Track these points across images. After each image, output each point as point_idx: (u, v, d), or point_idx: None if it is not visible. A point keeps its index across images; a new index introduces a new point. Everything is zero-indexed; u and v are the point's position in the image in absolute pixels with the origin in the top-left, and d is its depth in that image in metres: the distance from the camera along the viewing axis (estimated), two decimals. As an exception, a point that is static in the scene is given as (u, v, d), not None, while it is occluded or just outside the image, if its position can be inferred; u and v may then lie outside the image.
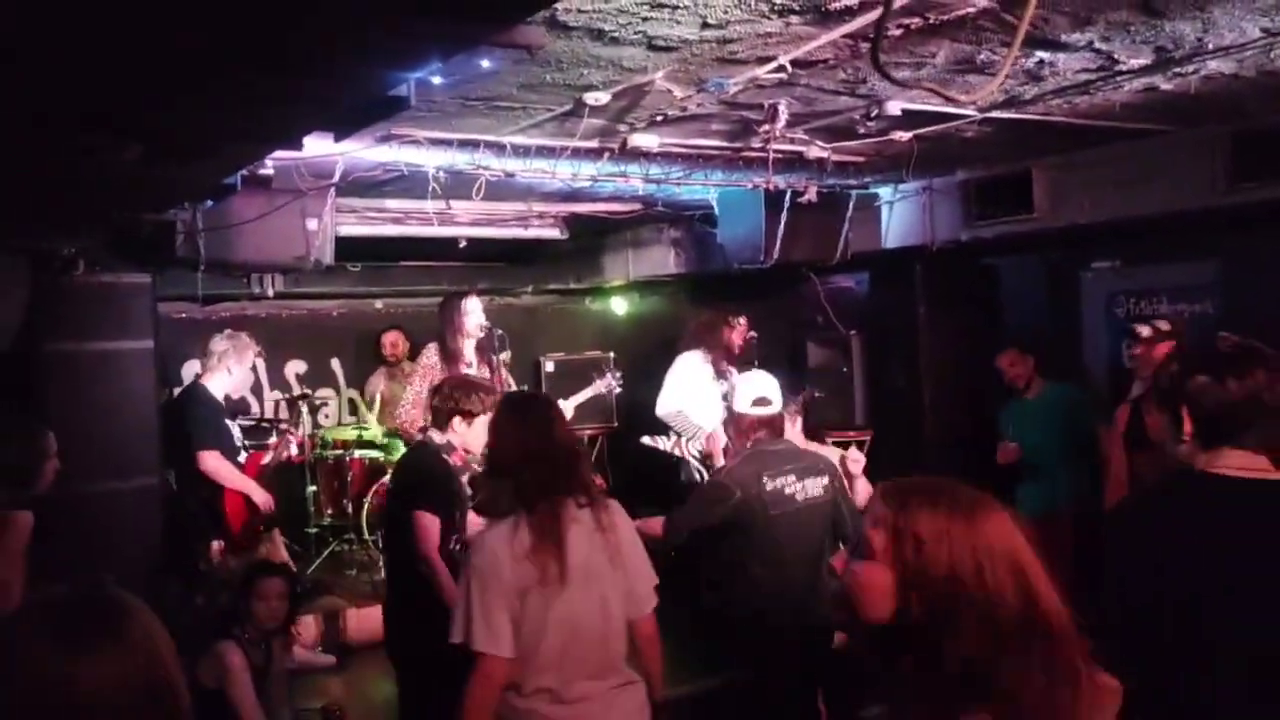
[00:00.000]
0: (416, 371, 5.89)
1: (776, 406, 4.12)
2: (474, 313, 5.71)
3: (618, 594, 2.85)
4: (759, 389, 4.13)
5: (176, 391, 6.27)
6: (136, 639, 1.35)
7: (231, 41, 1.85)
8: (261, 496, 5.53)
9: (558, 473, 2.85)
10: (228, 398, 5.72)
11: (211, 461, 5.37)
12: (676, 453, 6.27)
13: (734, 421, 4.17)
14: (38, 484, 3.95)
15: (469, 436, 4.05)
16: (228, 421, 5.62)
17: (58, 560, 4.23)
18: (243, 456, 5.65)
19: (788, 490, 4.00)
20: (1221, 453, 2.25)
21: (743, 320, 6.52)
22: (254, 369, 5.98)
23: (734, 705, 3.99)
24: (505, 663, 2.71)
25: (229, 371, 5.62)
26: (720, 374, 6.33)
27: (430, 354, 5.82)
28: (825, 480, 4.10)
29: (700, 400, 6.22)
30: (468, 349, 5.76)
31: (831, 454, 4.68)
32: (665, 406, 6.24)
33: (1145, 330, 4.73)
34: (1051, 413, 5.78)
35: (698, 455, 6.23)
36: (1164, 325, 4.79)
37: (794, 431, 4.57)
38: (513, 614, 2.71)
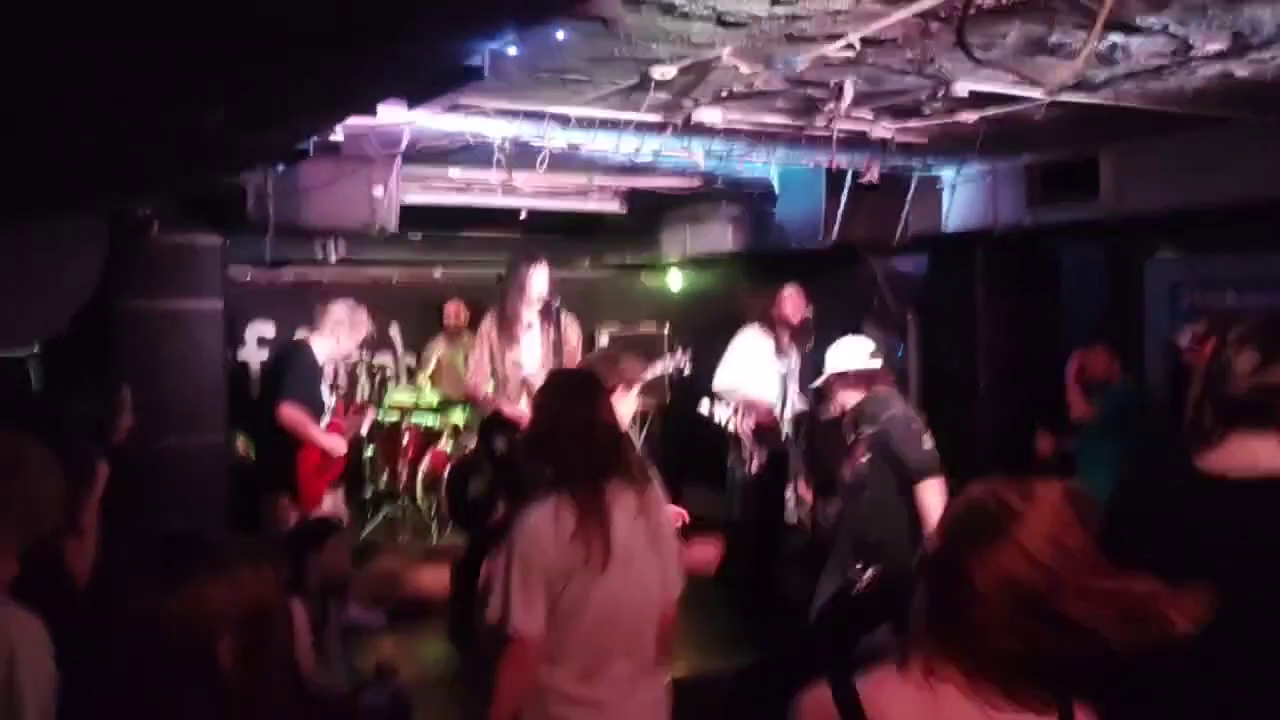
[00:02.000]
0: (476, 338, 6.00)
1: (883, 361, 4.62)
2: (539, 280, 5.76)
3: (656, 577, 2.84)
4: (868, 343, 4.62)
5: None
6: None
7: (317, 9, 1.91)
8: (335, 446, 5.69)
9: (602, 454, 2.82)
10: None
11: (291, 412, 5.50)
12: (731, 427, 6.30)
13: (861, 377, 4.54)
14: (114, 436, 4.10)
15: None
16: (323, 385, 5.79)
17: (128, 512, 4.40)
18: (324, 421, 5.80)
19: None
20: (1226, 439, 2.02)
21: (789, 289, 6.52)
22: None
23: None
24: (539, 643, 2.72)
25: (338, 340, 5.80)
26: (782, 351, 6.35)
27: (488, 320, 5.92)
28: None
29: (758, 376, 6.25)
30: (527, 314, 5.82)
31: None
32: (723, 381, 6.28)
33: (1185, 338, 4.68)
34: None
35: (750, 431, 6.27)
36: (1200, 328, 4.71)
37: None
38: (550, 595, 2.72)
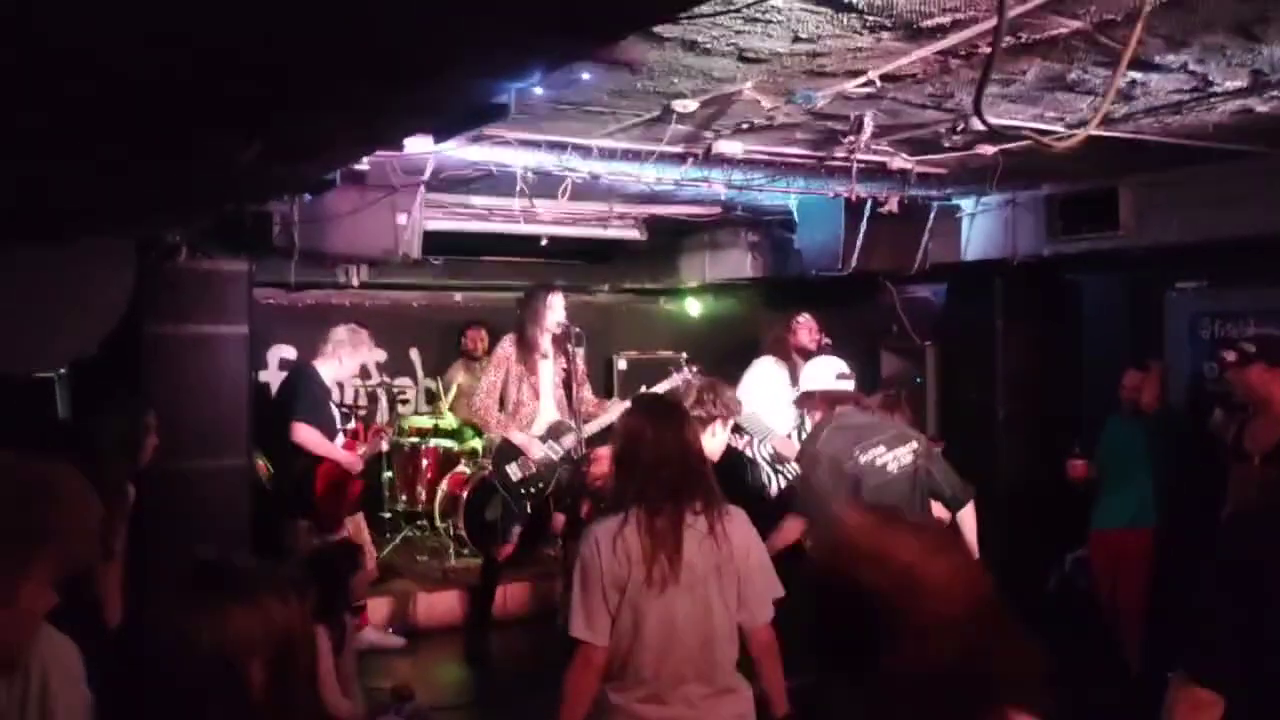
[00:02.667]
0: (491, 362, 6.05)
1: (854, 382, 4.54)
2: (555, 308, 5.83)
3: (723, 601, 2.87)
4: (838, 364, 4.54)
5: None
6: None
7: (356, 52, 1.96)
8: (351, 462, 5.74)
9: (685, 477, 2.89)
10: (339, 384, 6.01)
11: (305, 433, 5.59)
12: (748, 453, 6.32)
13: (819, 397, 4.49)
14: (140, 458, 4.16)
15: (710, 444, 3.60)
16: (332, 405, 5.86)
17: (152, 533, 4.46)
18: (339, 440, 5.86)
19: (879, 462, 4.22)
20: None
21: (803, 318, 6.54)
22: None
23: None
24: (602, 651, 2.80)
25: (340, 361, 5.90)
26: (798, 380, 6.36)
27: (506, 344, 5.98)
28: (914, 446, 4.32)
29: (774, 404, 6.27)
30: (544, 341, 5.88)
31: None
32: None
33: (1231, 355, 4.67)
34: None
35: (768, 458, 6.27)
36: (1249, 347, 4.72)
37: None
38: (610, 607, 2.79)
